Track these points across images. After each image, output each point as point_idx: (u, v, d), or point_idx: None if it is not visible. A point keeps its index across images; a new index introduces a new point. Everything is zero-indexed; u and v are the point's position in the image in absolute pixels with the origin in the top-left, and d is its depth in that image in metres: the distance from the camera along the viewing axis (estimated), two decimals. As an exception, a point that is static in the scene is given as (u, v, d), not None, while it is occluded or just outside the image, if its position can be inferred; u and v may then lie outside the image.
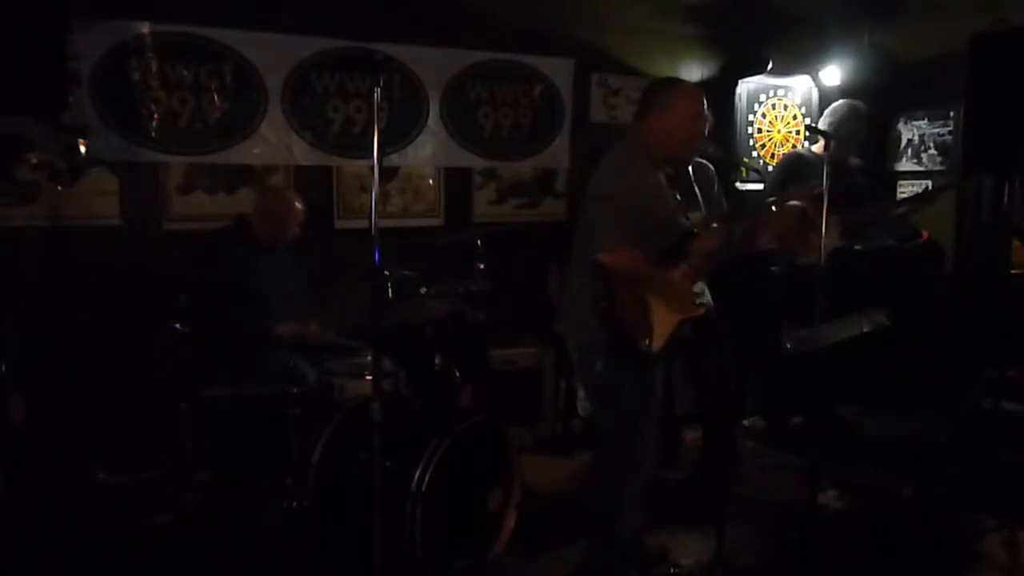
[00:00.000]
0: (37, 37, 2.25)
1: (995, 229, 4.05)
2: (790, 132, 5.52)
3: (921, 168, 5.24)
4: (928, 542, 3.17)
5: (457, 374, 3.46)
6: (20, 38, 2.22)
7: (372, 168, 2.32)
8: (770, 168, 5.20)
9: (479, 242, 3.93)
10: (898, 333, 2.72)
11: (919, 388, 4.10)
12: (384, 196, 4.34)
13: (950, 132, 5.06)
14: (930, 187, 5.04)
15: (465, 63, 4.47)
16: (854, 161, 4.33)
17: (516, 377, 4.45)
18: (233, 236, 3.55)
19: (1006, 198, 3.59)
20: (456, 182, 4.58)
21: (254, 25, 3.92)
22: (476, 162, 4.60)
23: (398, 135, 4.33)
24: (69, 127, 3.51)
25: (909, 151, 5.31)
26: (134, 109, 3.74)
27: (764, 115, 5.42)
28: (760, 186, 4.86)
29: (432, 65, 4.37)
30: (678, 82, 3.21)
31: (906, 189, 5.29)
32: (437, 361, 3.38)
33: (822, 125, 4.32)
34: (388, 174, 4.36)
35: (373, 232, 2.35)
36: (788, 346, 2.65)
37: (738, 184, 5.11)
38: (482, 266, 3.87)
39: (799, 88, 5.50)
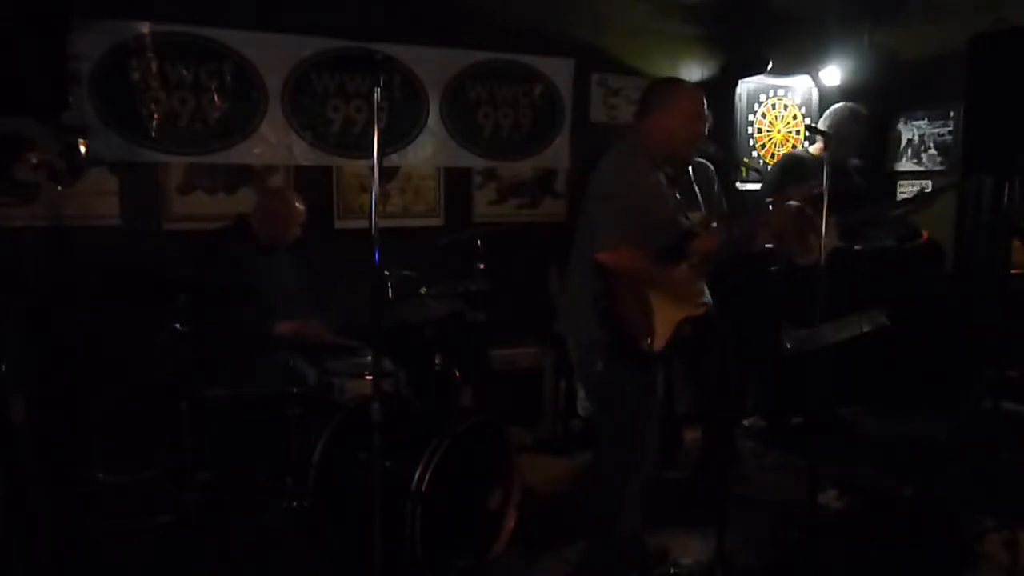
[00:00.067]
0: (37, 37, 2.25)
1: (995, 229, 4.05)
2: (790, 132, 5.52)
3: (921, 168, 5.25)
4: (928, 542, 3.17)
5: (457, 374, 3.46)
6: (20, 38, 2.22)
7: (372, 168, 2.32)
8: (770, 168, 5.21)
9: (479, 242, 3.93)
10: (898, 333, 2.72)
11: (919, 388, 4.10)
12: (384, 196, 4.34)
13: (950, 132, 5.07)
14: (930, 187, 5.04)
15: (465, 63, 4.47)
16: (853, 162, 4.33)
17: (516, 377, 4.45)
18: (233, 236, 3.55)
19: (1006, 198, 3.59)
20: (456, 182, 4.58)
21: (254, 25, 3.92)
22: (476, 162, 4.60)
23: (398, 135, 4.33)
24: (69, 127, 3.51)
25: (909, 151, 5.31)
26: (134, 109, 3.74)
27: (764, 115, 5.42)
28: (759, 186, 4.87)
29: (432, 65, 4.37)
30: (678, 82, 3.21)
31: (906, 189, 5.29)
32: (437, 361, 3.38)
33: (821, 127, 4.32)
34: (388, 174, 4.36)
35: (373, 232, 2.34)
36: (788, 346, 2.65)
37: (738, 184, 5.11)
38: (482, 266, 3.87)
39: (799, 88, 5.50)
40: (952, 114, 5.00)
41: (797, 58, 5.34)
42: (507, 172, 4.70)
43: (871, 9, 5.17)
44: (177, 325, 2.84)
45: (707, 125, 2.91)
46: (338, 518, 2.97)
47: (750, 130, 5.37)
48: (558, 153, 4.79)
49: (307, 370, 3.43)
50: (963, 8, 4.49)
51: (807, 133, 5.37)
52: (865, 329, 2.66)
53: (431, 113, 4.40)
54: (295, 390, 3.05)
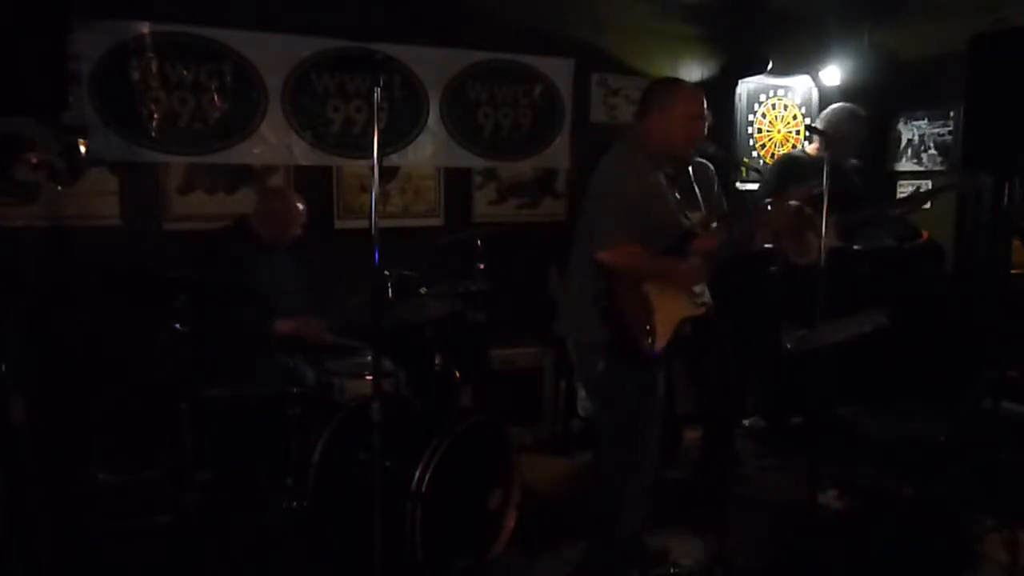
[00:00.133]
0: (37, 37, 2.25)
1: (995, 229, 4.05)
2: (790, 132, 5.51)
3: (921, 168, 5.25)
4: (928, 542, 3.17)
5: (457, 374, 3.47)
6: (20, 38, 2.22)
7: (372, 168, 2.32)
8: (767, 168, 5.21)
9: (479, 242, 3.93)
10: (898, 333, 2.72)
11: (919, 388, 4.10)
12: (384, 196, 4.34)
13: (950, 132, 5.07)
14: (930, 187, 5.05)
15: (465, 63, 4.47)
16: (852, 162, 4.33)
17: (516, 377, 4.44)
18: (233, 236, 3.54)
19: (1006, 198, 3.59)
20: (456, 182, 4.58)
21: (254, 25, 3.92)
22: (476, 162, 4.60)
23: (398, 135, 4.33)
24: (69, 127, 3.50)
25: (909, 151, 5.31)
26: (134, 109, 3.74)
27: (764, 115, 5.42)
28: (757, 186, 4.86)
29: (432, 65, 4.36)
30: (678, 82, 3.21)
31: (906, 189, 5.29)
32: (437, 361, 3.38)
33: (819, 128, 4.32)
34: (388, 174, 4.36)
35: (373, 232, 2.35)
36: (788, 346, 2.65)
37: (738, 184, 5.11)
38: (482, 266, 3.87)
39: (799, 88, 5.50)
40: (952, 114, 5.00)
41: (797, 58, 5.34)
42: (507, 172, 4.70)
43: (871, 9, 5.18)
44: (177, 325, 2.83)
45: (707, 125, 2.91)
46: (338, 518, 2.97)
47: (750, 130, 5.37)
48: (558, 153, 4.79)
49: (307, 370, 3.43)
50: (963, 8, 4.49)
51: (807, 133, 5.37)
52: (865, 329, 2.66)
53: (431, 113, 4.40)
54: (295, 390, 3.05)
